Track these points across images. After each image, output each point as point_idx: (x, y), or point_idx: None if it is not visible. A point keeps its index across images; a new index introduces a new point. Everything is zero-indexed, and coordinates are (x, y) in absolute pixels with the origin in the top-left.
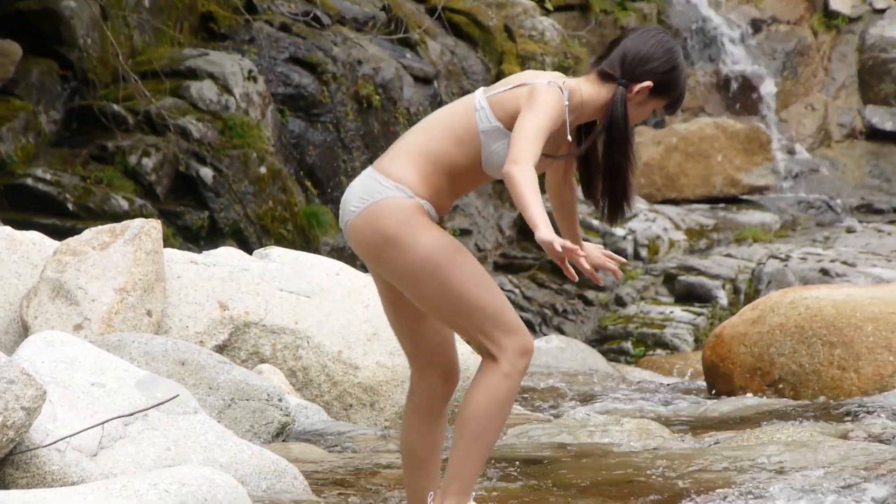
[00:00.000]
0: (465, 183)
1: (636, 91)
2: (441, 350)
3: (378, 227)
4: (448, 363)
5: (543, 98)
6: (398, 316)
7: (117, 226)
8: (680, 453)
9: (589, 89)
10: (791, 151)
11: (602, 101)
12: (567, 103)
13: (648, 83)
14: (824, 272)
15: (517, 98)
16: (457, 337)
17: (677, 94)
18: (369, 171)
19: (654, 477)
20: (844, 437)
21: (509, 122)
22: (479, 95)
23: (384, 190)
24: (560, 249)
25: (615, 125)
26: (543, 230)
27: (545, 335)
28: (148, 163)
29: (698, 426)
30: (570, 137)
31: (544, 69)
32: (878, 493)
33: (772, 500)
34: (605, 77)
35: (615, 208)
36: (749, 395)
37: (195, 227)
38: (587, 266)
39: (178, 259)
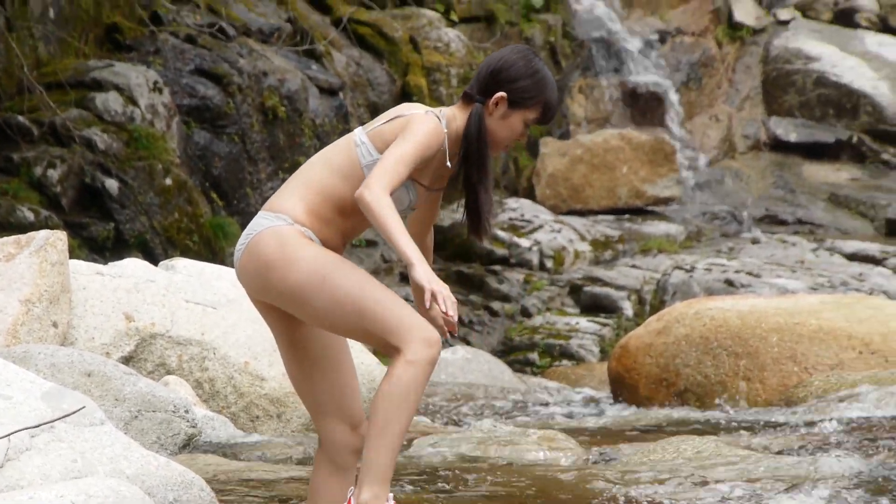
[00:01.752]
0: (357, 220)
1: (493, 104)
2: (345, 394)
3: (259, 256)
4: (353, 410)
5: (418, 127)
6: (298, 361)
7: (22, 237)
8: (584, 464)
9: (461, 116)
10: (695, 164)
11: None
12: (446, 130)
13: (502, 94)
14: (729, 283)
15: (395, 130)
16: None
17: (541, 103)
18: (259, 212)
19: (558, 488)
20: (748, 448)
21: None
22: (359, 132)
23: (264, 222)
24: (429, 301)
25: (469, 139)
26: (420, 270)
27: (451, 346)
28: (53, 174)
29: (604, 437)
30: (449, 164)
31: (449, 81)
32: None
33: None
34: (467, 99)
35: (475, 224)
36: (655, 406)
37: (101, 239)
38: (447, 321)
39: (84, 270)
